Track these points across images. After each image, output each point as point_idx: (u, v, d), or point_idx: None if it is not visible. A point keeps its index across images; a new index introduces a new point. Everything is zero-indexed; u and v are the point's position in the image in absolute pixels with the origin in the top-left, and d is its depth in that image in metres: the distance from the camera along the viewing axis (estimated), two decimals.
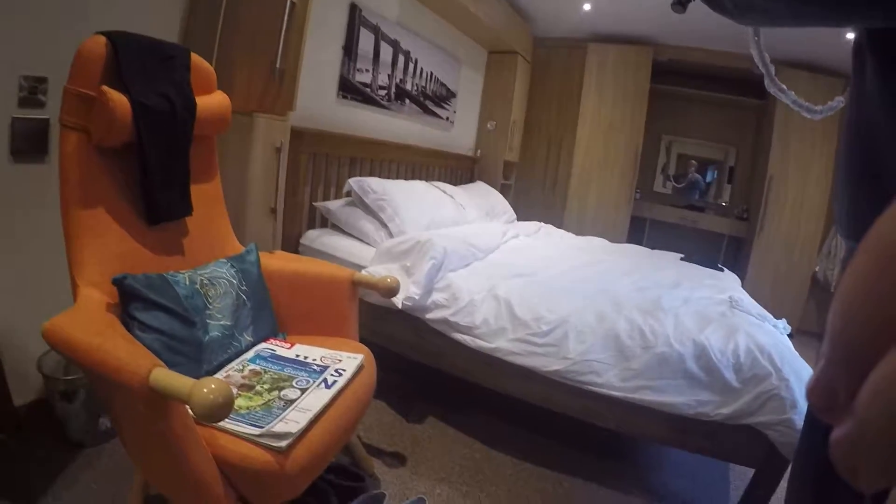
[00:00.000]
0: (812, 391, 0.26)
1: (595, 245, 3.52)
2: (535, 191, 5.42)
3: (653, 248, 3.62)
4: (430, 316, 2.22)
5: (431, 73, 4.16)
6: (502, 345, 2.05)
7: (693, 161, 5.61)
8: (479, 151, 5.07)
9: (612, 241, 3.74)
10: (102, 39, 1.51)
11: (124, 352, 1.08)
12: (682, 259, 3.22)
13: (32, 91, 1.92)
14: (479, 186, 4.37)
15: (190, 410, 0.96)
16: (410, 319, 2.28)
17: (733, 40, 3.81)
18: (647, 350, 1.88)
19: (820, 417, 0.27)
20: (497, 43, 4.77)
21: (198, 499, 1.18)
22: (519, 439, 2.32)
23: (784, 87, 0.98)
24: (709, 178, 5.60)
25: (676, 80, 5.16)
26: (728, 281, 2.79)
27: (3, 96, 1.86)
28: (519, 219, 4.26)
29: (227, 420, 1.19)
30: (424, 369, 2.45)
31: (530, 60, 5.24)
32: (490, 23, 4.17)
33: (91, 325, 1.22)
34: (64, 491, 1.74)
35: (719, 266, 3.17)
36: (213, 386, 0.91)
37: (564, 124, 5.25)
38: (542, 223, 4.01)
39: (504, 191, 4.86)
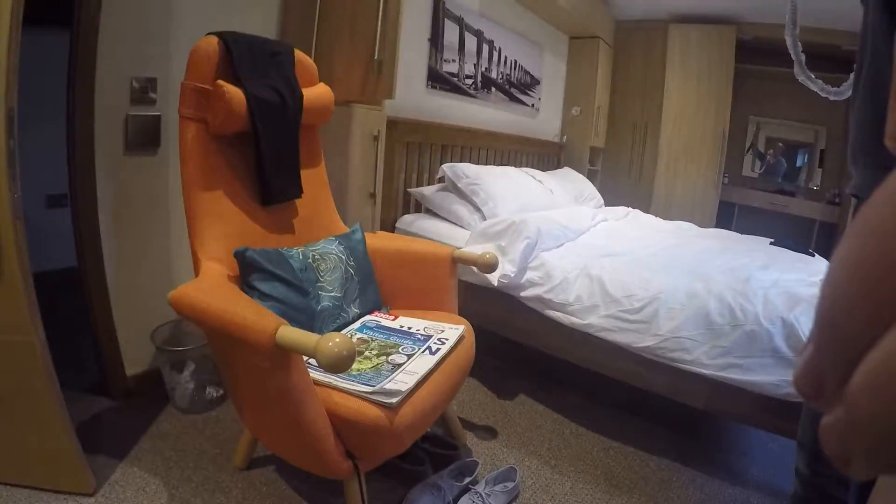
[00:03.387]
0: (800, 377, 0.26)
1: (684, 228, 3.48)
2: (622, 176, 5.34)
3: (742, 233, 3.53)
4: (524, 294, 2.29)
5: (515, 62, 4.20)
6: (594, 321, 2.09)
7: (780, 144, 5.41)
8: (564, 137, 5.05)
9: (700, 226, 3.68)
10: (214, 39, 1.67)
11: (251, 313, 1.20)
12: (771, 243, 3.14)
13: (143, 90, 2.12)
14: (567, 172, 4.36)
15: (312, 366, 1.07)
16: (504, 297, 2.35)
17: (819, 14, 3.64)
18: (737, 328, 1.87)
19: (808, 404, 0.27)
20: (578, 28, 4.75)
21: (310, 451, 1.30)
22: (607, 418, 2.35)
23: (812, 75, 0.99)
24: (799, 163, 5.38)
25: (762, 60, 4.95)
26: (819, 266, 2.71)
27: (117, 96, 2.07)
28: (606, 204, 4.22)
29: (340, 379, 1.31)
30: (516, 348, 2.53)
31: (612, 44, 5.18)
32: (570, 7, 4.16)
33: (216, 293, 1.36)
34: (170, 452, 1.90)
35: (810, 251, 3.07)
36: (337, 340, 1.01)
37: (649, 108, 5.14)
38: (630, 208, 3.97)
39: (591, 177, 4.83)
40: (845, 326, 0.23)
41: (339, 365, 1.01)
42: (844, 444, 0.22)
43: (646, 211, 4.13)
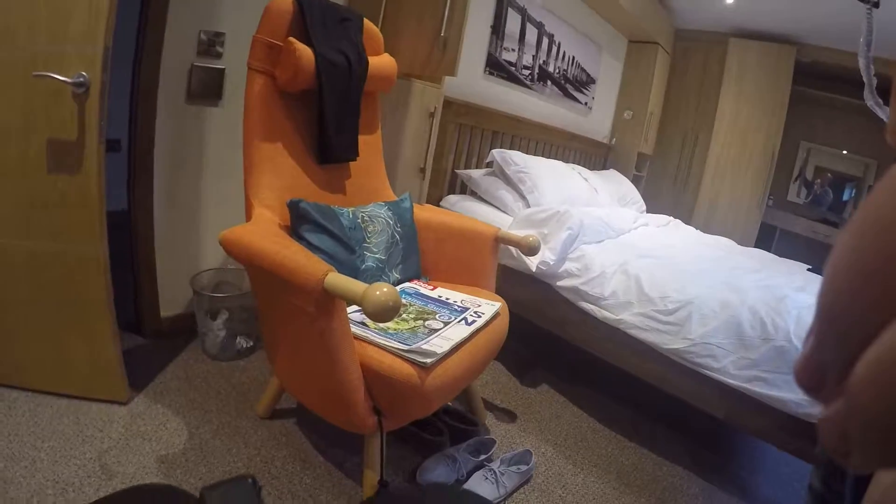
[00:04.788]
0: (800, 370, 0.26)
1: (723, 244, 3.44)
2: (667, 185, 5.31)
3: (781, 257, 3.49)
4: (560, 283, 2.31)
5: (573, 58, 4.20)
6: (627, 318, 2.10)
7: (828, 174, 5.32)
8: (614, 140, 5.04)
9: (740, 244, 3.64)
10: None
11: (302, 257, 1.25)
12: (808, 269, 3.10)
13: (211, 44, 2.18)
14: (613, 174, 4.35)
15: (353, 321, 1.10)
16: (539, 285, 2.38)
17: (882, 44, 3.55)
18: (767, 342, 1.86)
19: (809, 397, 0.27)
20: (638, 32, 4.73)
21: (339, 401, 1.33)
22: (626, 417, 2.37)
23: (881, 101, 0.98)
24: (845, 196, 5.29)
25: (819, 84, 4.89)
26: None
27: (185, 47, 2.13)
28: (648, 211, 4.21)
29: (377, 335, 1.34)
30: (544, 338, 2.55)
31: (670, 52, 5.14)
32: (631, 10, 4.14)
33: (267, 236, 1.41)
34: (195, 394, 1.96)
35: None
36: (384, 290, 1.05)
37: (701, 120, 5.09)
38: (672, 218, 3.95)
39: (635, 182, 4.80)
40: (846, 319, 0.23)
41: (384, 314, 1.04)
42: (843, 438, 0.22)
43: (686, 222, 4.10)
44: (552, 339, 2.49)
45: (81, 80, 1.53)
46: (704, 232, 3.85)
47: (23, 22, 1.52)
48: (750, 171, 4.84)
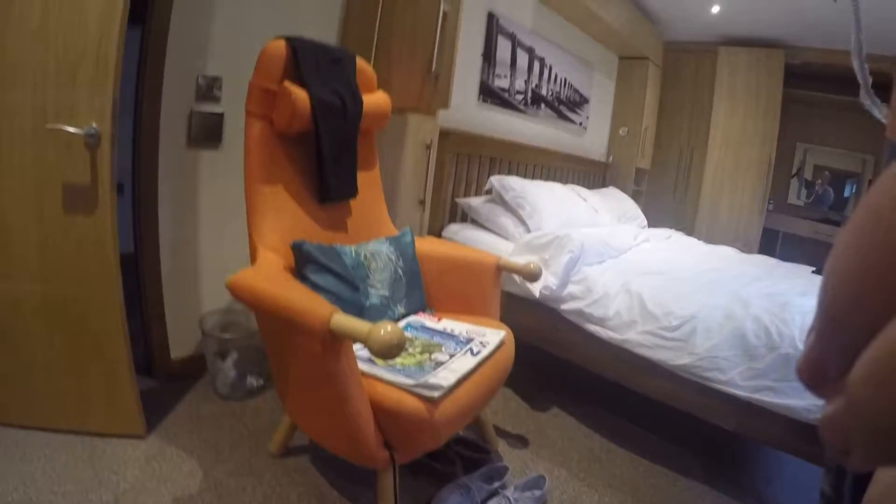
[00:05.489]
0: (802, 366, 0.26)
1: (725, 253, 3.46)
2: (666, 198, 5.32)
3: (785, 260, 3.50)
4: (564, 307, 2.32)
5: (565, 79, 4.25)
6: (632, 337, 2.11)
7: (827, 172, 5.34)
8: (611, 157, 5.07)
9: (743, 251, 3.65)
10: (282, 43, 1.77)
11: (307, 299, 1.28)
12: (813, 272, 3.10)
13: (209, 88, 2.25)
14: (612, 191, 4.38)
15: (359, 358, 1.12)
16: (544, 309, 2.39)
17: (871, 41, 3.58)
18: (773, 350, 1.87)
19: (811, 393, 0.27)
20: (627, 48, 4.77)
21: (350, 438, 1.36)
22: (637, 435, 2.37)
23: (878, 101, 0.98)
24: (846, 193, 5.30)
25: (811, 85, 4.93)
26: None
27: (184, 92, 2.20)
28: (649, 225, 4.23)
29: (384, 371, 1.37)
30: (552, 361, 2.55)
31: (661, 65, 5.20)
32: (619, 27, 4.20)
33: (273, 280, 1.45)
34: (208, 434, 1.99)
35: None
36: (389, 328, 1.07)
37: (696, 130, 5.13)
38: (673, 230, 3.97)
39: (635, 197, 4.82)
40: (845, 317, 0.23)
41: (389, 351, 1.06)
42: (844, 435, 0.22)
43: (689, 234, 4.12)
44: (560, 362, 2.50)
45: (93, 131, 1.62)
46: (707, 242, 3.87)
47: (32, 71, 1.60)
48: (748, 178, 4.87)
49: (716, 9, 4.31)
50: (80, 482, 1.62)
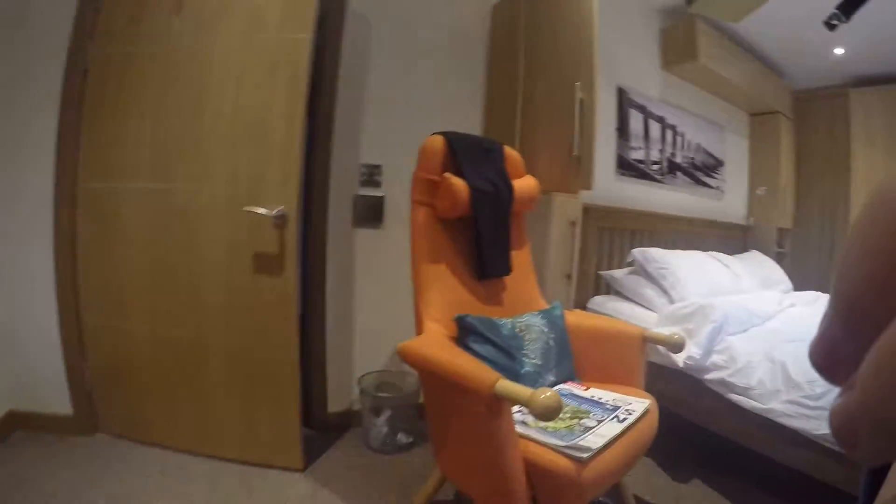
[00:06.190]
0: (814, 350, 0.26)
1: None
2: (811, 258, 5.06)
3: None
4: (708, 376, 2.34)
5: (698, 144, 4.29)
6: (776, 406, 2.09)
7: None
8: (751, 219, 4.94)
9: None
10: (440, 138, 2.04)
11: (473, 366, 1.48)
12: None
13: (371, 174, 2.63)
14: (754, 255, 4.30)
15: (517, 414, 1.29)
16: (686, 379, 2.43)
17: None
18: None
19: (823, 378, 0.27)
20: (756, 104, 4.70)
21: (501, 492, 1.49)
22: None
23: None
24: None
25: None
26: None
27: (349, 179, 2.60)
28: (796, 287, 4.09)
29: (537, 433, 1.53)
30: (694, 431, 2.54)
31: (792, 117, 5.03)
32: (743, 84, 4.16)
33: (441, 348, 1.66)
34: (359, 481, 2.22)
35: None
36: (548, 393, 1.24)
37: (837, 182, 4.82)
38: (820, 293, 3.80)
39: (779, 259, 4.66)
40: (857, 302, 0.23)
41: (549, 413, 1.23)
42: (853, 429, 0.22)
43: None
44: (702, 432, 2.49)
45: (282, 213, 2.07)
46: None
47: (229, 171, 2.17)
48: None
49: (839, 50, 4.15)
50: None
